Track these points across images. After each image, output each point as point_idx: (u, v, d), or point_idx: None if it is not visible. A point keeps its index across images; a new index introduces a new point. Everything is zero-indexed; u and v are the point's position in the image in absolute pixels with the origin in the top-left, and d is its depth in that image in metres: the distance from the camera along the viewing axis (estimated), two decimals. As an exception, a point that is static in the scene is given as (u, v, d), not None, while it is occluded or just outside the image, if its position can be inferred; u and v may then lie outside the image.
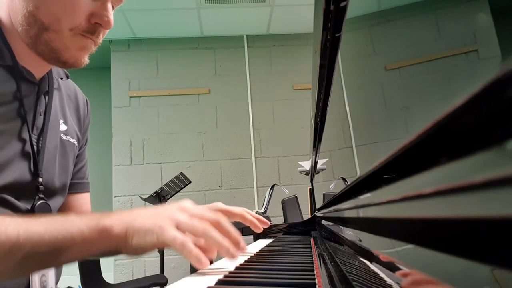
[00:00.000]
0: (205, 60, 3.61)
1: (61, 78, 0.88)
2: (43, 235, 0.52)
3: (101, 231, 0.54)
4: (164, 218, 0.56)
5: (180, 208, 0.59)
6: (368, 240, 0.36)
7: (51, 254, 0.54)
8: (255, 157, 3.50)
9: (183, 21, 3.34)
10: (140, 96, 3.50)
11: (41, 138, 0.76)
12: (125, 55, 3.55)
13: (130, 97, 3.49)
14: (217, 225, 0.58)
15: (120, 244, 0.55)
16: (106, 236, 0.54)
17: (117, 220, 0.56)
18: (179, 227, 0.56)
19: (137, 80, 3.52)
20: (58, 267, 0.83)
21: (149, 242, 0.54)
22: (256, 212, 2.54)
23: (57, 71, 0.86)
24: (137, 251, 0.55)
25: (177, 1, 3.05)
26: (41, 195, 0.75)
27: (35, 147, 0.74)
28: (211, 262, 0.63)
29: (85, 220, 0.55)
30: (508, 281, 0.12)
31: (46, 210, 0.75)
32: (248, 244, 1.09)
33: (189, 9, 3.17)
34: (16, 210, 0.70)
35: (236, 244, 0.58)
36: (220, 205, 0.73)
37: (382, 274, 0.27)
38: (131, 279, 2.89)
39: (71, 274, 1.33)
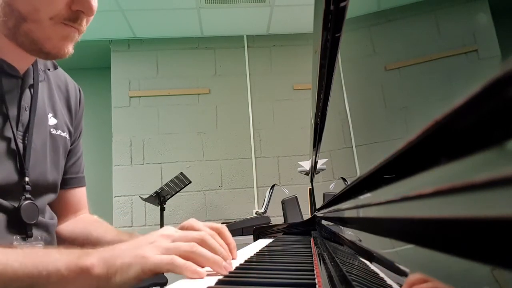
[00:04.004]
0: (205, 60, 3.61)
1: (48, 69, 0.84)
2: (17, 271, 0.50)
3: (80, 271, 0.51)
4: (145, 248, 0.54)
5: (161, 235, 0.57)
6: (368, 240, 0.36)
7: None
8: (255, 157, 3.50)
9: (183, 21, 3.34)
10: (140, 96, 3.50)
11: (27, 135, 0.73)
12: (125, 55, 3.55)
13: (130, 97, 3.49)
14: (202, 243, 0.56)
15: (101, 284, 0.52)
16: (85, 277, 0.51)
17: (98, 259, 0.52)
18: (164, 253, 0.53)
19: (137, 80, 3.52)
20: None
21: (133, 276, 0.51)
22: (256, 213, 2.54)
23: (44, 63, 0.82)
24: (124, 287, 0.52)
25: (177, 1, 3.05)
26: (27, 195, 0.72)
27: (20, 144, 0.71)
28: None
29: (65, 257, 0.53)
30: (508, 281, 0.12)
31: (32, 210, 0.72)
32: (248, 244, 1.09)
33: (189, 9, 3.17)
34: (2, 210, 0.68)
35: (224, 258, 0.56)
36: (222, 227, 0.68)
37: (382, 274, 0.27)
38: (131, 279, 2.89)
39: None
